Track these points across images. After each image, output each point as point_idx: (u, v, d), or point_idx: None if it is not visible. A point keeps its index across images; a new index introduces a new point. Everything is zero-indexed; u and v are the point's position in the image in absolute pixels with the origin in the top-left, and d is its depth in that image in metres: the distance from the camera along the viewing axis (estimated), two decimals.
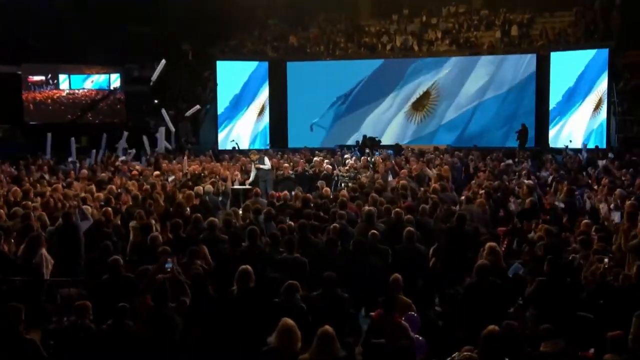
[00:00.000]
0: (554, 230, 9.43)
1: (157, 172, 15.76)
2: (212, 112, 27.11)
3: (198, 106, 22.97)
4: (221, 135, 27.65)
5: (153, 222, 10.15)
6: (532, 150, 22.21)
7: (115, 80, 27.13)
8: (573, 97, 24.86)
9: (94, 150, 18.95)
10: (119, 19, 26.27)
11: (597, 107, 24.24)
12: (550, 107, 25.34)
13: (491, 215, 11.61)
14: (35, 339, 5.48)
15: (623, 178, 13.97)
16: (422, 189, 13.39)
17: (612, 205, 10.76)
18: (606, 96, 23.83)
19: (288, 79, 28.04)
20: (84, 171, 15.71)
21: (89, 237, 9.22)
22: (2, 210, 9.74)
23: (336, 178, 16.90)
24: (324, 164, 18.07)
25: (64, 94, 26.30)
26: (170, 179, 15.19)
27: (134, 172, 15.65)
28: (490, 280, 6.77)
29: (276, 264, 7.67)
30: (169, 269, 6.80)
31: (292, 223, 9.63)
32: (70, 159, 17.71)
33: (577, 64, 24.76)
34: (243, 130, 27.91)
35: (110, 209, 10.21)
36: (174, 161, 18.50)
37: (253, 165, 16.47)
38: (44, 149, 19.47)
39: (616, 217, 9.93)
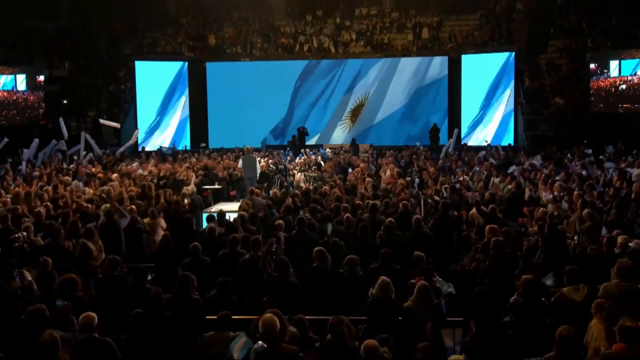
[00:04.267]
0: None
1: (115, 175, 17.36)
2: (132, 113, 28.08)
3: (118, 125, 24.74)
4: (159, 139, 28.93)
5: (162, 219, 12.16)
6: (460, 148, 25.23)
7: (22, 82, 27.46)
8: (483, 98, 28.34)
9: (42, 153, 20.01)
10: (12, 12, 26.81)
11: (505, 106, 27.91)
12: (462, 107, 28.70)
13: None
14: (200, 300, 7.56)
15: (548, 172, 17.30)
16: (382, 185, 16.15)
17: (555, 194, 13.89)
18: (513, 97, 27.57)
19: (208, 80, 29.65)
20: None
21: (127, 232, 11.16)
22: (42, 209, 11.23)
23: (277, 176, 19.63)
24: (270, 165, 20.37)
25: None
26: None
27: (100, 174, 17.16)
28: (507, 254, 9.36)
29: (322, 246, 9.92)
30: (274, 248, 9.03)
31: (308, 215, 11.90)
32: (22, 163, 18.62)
33: (486, 66, 28.23)
34: (164, 133, 29.23)
35: (134, 207, 12.02)
36: (122, 164, 20.08)
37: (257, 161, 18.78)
38: None
39: (565, 205, 12.99)
